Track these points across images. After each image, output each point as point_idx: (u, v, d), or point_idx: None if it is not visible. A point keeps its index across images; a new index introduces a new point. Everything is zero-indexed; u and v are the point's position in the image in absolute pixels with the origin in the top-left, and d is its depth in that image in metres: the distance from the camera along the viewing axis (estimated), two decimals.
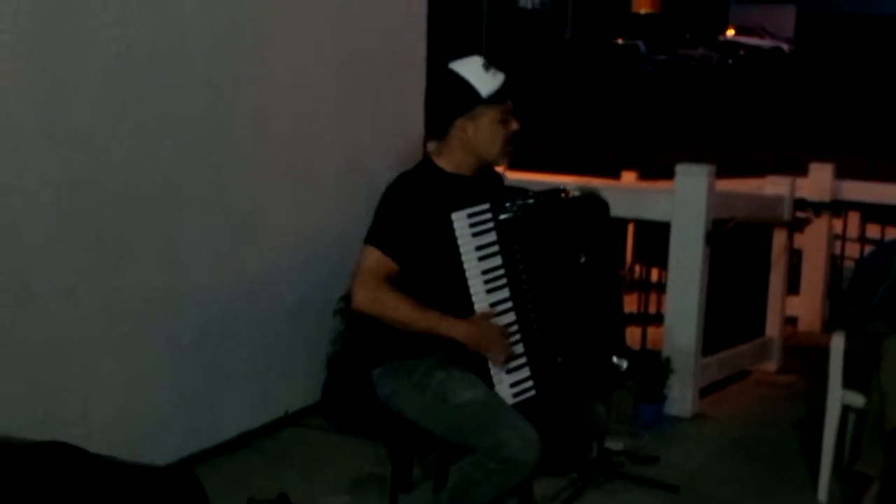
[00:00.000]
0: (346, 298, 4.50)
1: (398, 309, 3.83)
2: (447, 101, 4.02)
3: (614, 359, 4.06)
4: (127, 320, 4.95)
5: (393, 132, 6.41)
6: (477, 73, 3.97)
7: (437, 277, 3.86)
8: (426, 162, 4.09)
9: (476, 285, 3.79)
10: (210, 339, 5.42)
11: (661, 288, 7.17)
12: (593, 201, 4.08)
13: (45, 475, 3.55)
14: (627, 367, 4.06)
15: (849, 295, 5.54)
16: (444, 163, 4.03)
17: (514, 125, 4.04)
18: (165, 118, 5.06)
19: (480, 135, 3.98)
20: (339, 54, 6.20)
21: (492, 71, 3.99)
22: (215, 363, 5.47)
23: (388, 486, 4.26)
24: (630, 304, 7.41)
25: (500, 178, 4.30)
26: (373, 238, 3.90)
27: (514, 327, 3.84)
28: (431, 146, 4.19)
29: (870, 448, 4.96)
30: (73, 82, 4.61)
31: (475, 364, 3.83)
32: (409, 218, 3.88)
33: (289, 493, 4.79)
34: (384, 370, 4.02)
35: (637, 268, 7.78)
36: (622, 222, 7.35)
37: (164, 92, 5.05)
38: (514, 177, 7.20)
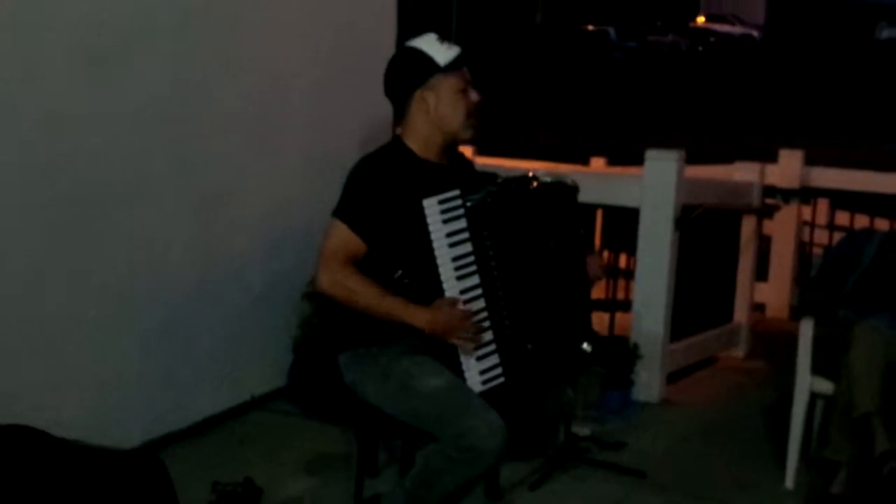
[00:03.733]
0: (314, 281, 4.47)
1: (361, 293, 3.80)
2: (404, 74, 3.99)
3: (584, 346, 4.05)
4: (94, 304, 4.93)
5: (362, 116, 6.38)
6: (432, 45, 3.97)
7: (406, 262, 3.83)
8: (396, 142, 4.06)
9: (446, 272, 3.77)
10: (177, 324, 5.40)
11: (629, 274, 7.17)
12: (562, 188, 4.07)
13: (7, 458, 3.52)
14: (593, 351, 4.05)
15: (818, 282, 5.54)
16: (412, 143, 4.01)
17: (475, 95, 4.02)
18: (134, 102, 5.03)
19: (441, 105, 3.95)
20: (309, 38, 6.17)
21: (446, 43, 3.99)
22: (182, 347, 5.45)
23: (354, 471, 4.25)
24: (598, 290, 7.42)
25: (470, 164, 4.29)
26: (341, 212, 3.87)
27: (484, 314, 3.82)
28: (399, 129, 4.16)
29: (837, 435, 4.97)
30: (40, 66, 4.58)
31: (443, 352, 3.80)
32: (378, 198, 3.85)
33: (254, 476, 4.77)
34: (350, 356, 3.99)
35: (606, 254, 7.78)
36: (591, 208, 7.35)
37: (133, 75, 5.01)
38: (483, 163, 7.21)
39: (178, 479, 3.77)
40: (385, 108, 4.12)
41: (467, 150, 8.58)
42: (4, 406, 4.32)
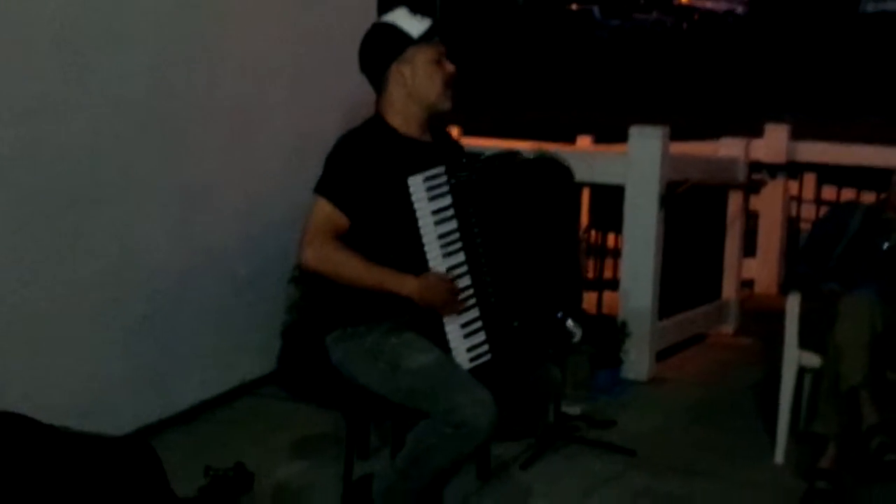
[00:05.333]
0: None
1: (347, 265, 3.80)
2: (379, 50, 3.99)
3: (569, 323, 4.04)
4: (81, 293, 4.92)
5: (346, 105, 6.35)
6: (403, 18, 3.98)
7: (390, 240, 3.83)
8: (376, 118, 4.04)
9: (432, 250, 3.76)
10: (165, 311, 5.39)
11: (617, 254, 7.17)
12: (550, 164, 4.07)
13: None
14: (581, 336, 4.04)
15: (804, 255, 5.55)
16: (393, 119, 4.00)
17: (450, 66, 4.02)
18: (114, 93, 5.01)
19: (418, 77, 3.96)
20: (292, 27, 6.17)
21: (418, 16, 3.99)
22: (171, 334, 5.44)
23: (345, 453, 4.25)
24: (586, 269, 7.42)
25: (457, 143, 4.28)
26: (323, 188, 3.87)
27: (470, 291, 3.81)
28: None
29: (826, 408, 4.98)
30: (18, 58, 4.56)
31: (430, 329, 3.80)
32: (361, 174, 3.84)
33: (245, 461, 4.76)
34: (337, 336, 3.99)
35: (593, 234, 7.78)
36: (577, 187, 7.34)
37: (113, 67, 5.00)
38: (469, 143, 7.17)
39: (169, 465, 3.77)
40: (367, 94, 4.11)
41: (454, 131, 8.57)
42: None
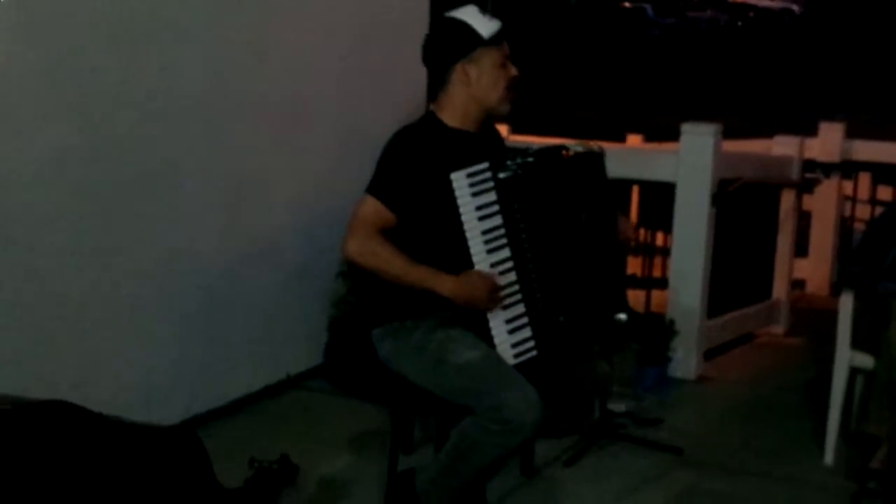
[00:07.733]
0: None
1: (388, 261, 3.78)
2: (447, 46, 3.96)
3: (617, 316, 4.02)
4: (132, 286, 4.96)
5: (395, 99, 6.38)
6: (474, 17, 3.94)
7: (436, 236, 3.81)
8: (429, 116, 4.03)
9: (476, 245, 3.75)
10: (213, 304, 5.42)
11: (666, 252, 7.13)
12: (592, 156, 4.03)
13: (47, 433, 3.53)
14: (628, 323, 4.01)
15: (858, 255, 5.49)
16: (447, 116, 3.98)
17: (514, 70, 3.99)
18: (167, 86, 5.05)
19: (483, 78, 3.93)
20: (342, 21, 6.19)
21: (488, 16, 3.95)
22: (218, 327, 5.47)
23: (389, 448, 4.24)
24: (634, 267, 7.40)
25: (500, 137, 4.26)
26: (374, 188, 3.85)
27: (516, 287, 3.80)
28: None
29: (878, 409, 4.91)
30: (73, 52, 4.60)
31: (476, 324, 3.79)
32: (410, 171, 3.83)
33: (290, 454, 4.77)
34: (384, 331, 3.98)
35: (642, 232, 7.74)
36: (627, 185, 7.30)
37: (166, 60, 5.03)
38: (518, 140, 7.16)
39: (215, 456, 3.78)
40: (417, 86, 4.10)
41: (502, 129, 8.56)
42: (45, 386, 4.34)
